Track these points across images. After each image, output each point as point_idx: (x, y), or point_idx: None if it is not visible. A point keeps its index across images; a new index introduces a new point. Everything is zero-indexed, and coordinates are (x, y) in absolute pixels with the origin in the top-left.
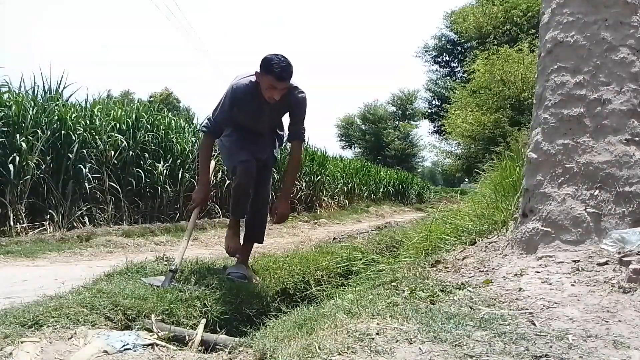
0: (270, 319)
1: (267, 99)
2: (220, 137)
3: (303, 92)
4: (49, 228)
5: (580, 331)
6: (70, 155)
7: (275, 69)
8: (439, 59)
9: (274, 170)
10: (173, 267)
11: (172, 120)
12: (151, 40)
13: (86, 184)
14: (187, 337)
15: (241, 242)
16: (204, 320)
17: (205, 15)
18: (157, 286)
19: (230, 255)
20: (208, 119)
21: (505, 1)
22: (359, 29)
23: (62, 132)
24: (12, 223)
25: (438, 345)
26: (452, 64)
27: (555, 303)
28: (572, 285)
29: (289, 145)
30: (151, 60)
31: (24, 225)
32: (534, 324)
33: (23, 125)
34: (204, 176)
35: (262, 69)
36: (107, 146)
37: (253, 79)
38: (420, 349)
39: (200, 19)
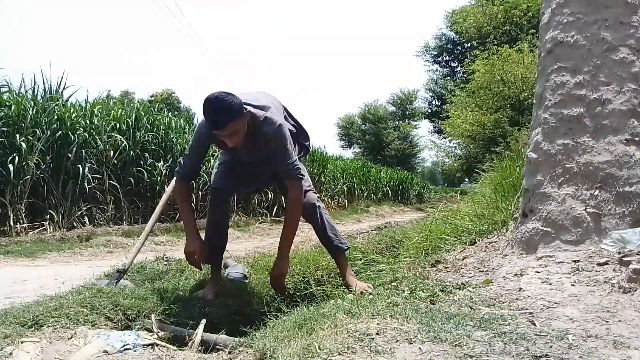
0: (270, 319)
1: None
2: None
3: (273, 124)
4: (49, 228)
5: (580, 331)
6: (70, 155)
7: (207, 115)
8: (439, 59)
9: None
10: (121, 268)
11: (172, 120)
12: (152, 41)
13: (86, 184)
14: (187, 337)
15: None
16: (204, 320)
17: (205, 16)
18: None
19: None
20: (178, 162)
21: (505, 1)
22: (359, 29)
23: (62, 132)
24: (12, 223)
25: (438, 345)
26: (452, 64)
27: (555, 303)
28: (572, 285)
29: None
30: (152, 60)
31: (24, 225)
32: (534, 324)
33: (23, 125)
34: (188, 226)
35: None
36: (107, 146)
37: None
38: (420, 349)
39: (201, 20)
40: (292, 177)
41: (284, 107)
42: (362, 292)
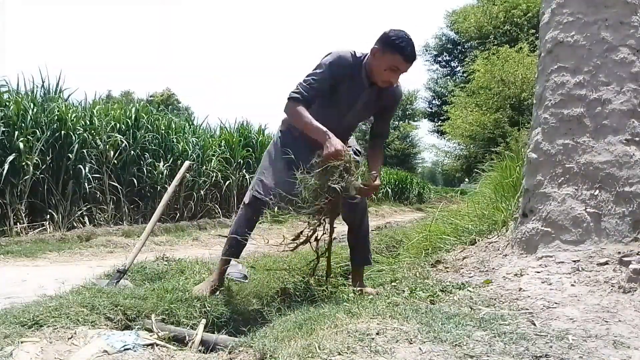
0: (270, 319)
1: (380, 82)
2: (279, 138)
3: (400, 89)
4: (49, 228)
5: (580, 331)
6: (70, 155)
7: (406, 47)
8: (439, 59)
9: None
10: (121, 268)
11: (172, 121)
12: (152, 41)
13: (86, 184)
14: (187, 337)
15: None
16: (204, 320)
17: (206, 16)
18: (103, 287)
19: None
20: (299, 85)
21: (506, 1)
22: (360, 29)
23: (62, 132)
24: (12, 223)
25: (438, 345)
26: (453, 64)
27: (555, 303)
28: (572, 285)
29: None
30: (152, 61)
31: (24, 225)
32: (534, 324)
33: (23, 125)
34: (317, 129)
35: (384, 46)
36: (107, 146)
37: (355, 54)
38: (420, 349)
39: (202, 19)
40: (385, 137)
41: None
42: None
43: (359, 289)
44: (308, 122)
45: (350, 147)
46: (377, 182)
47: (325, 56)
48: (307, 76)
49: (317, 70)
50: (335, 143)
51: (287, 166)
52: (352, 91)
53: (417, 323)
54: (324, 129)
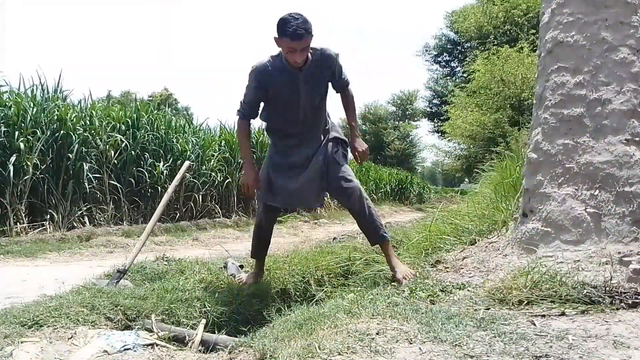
0: (270, 319)
1: (292, 64)
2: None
3: (329, 49)
4: (49, 228)
5: (580, 331)
6: (70, 155)
7: (289, 28)
8: (439, 59)
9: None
10: (121, 268)
11: (172, 120)
12: (152, 41)
13: (86, 184)
14: (187, 337)
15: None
16: (204, 320)
17: (206, 16)
18: (103, 287)
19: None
20: (240, 102)
21: (506, 1)
22: (361, 29)
23: (62, 132)
24: (12, 223)
25: (438, 345)
26: (452, 64)
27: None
28: None
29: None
30: (152, 61)
31: (24, 225)
32: (534, 324)
33: (23, 125)
34: (246, 159)
35: (277, 33)
36: (107, 146)
37: (272, 56)
38: (420, 349)
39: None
40: (347, 84)
41: None
42: (404, 277)
43: (394, 269)
44: (242, 144)
45: (335, 136)
46: (360, 146)
47: (249, 72)
48: (244, 94)
49: (247, 90)
50: (247, 177)
51: (268, 169)
52: (289, 83)
53: (417, 323)
54: (247, 159)
